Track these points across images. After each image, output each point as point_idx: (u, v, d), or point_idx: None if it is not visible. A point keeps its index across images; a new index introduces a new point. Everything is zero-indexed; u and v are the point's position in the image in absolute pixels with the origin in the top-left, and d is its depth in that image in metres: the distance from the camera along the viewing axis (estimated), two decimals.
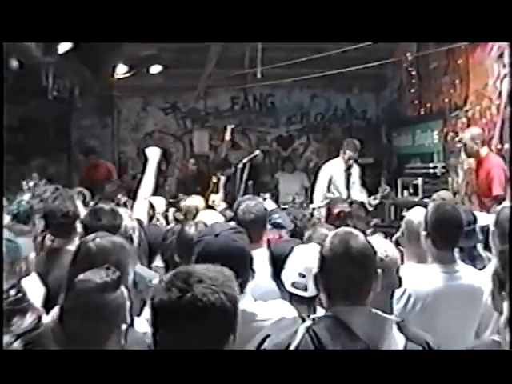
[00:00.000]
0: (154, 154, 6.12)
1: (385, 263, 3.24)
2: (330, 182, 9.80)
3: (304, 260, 3.68)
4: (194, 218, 6.15)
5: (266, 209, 5.22)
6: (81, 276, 2.84)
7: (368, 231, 6.70)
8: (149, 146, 6.31)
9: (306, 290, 3.69)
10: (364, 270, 2.71)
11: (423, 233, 4.06)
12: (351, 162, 9.84)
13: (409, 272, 3.76)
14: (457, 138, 8.51)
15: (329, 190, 9.65)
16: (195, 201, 7.37)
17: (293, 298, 3.58)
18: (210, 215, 6.00)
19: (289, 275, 3.68)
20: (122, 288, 2.82)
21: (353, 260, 2.69)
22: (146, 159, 6.15)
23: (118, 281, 2.80)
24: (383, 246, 3.35)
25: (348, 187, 9.75)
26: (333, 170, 9.92)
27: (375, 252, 2.82)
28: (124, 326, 2.75)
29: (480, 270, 4.38)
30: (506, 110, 7.98)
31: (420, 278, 3.91)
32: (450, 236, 4.05)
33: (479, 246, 5.16)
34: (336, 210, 5.04)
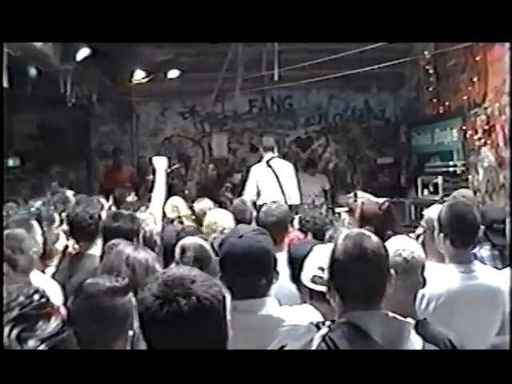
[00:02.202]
0: (161, 163, 6.23)
1: (410, 264, 3.21)
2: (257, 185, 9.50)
3: (324, 255, 3.66)
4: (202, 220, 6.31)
5: (287, 211, 5.22)
6: (89, 280, 2.85)
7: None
8: (156, 156, 6.41)
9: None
10: (379, 271, 2.65)
11: (440, 235, 4.02)
12: (269, 159, 9.64)
13: (428, 272, 3.74)
14: None
15: (259, 194, 9.36)
16: (203, 204, 7.47)
17: (313, 297, 3.54)
18: (218, 214, 6.11)
19: (308, 271, 3.66)
20: (131, 295, 2.80)
21: (368, 261, 2.62)
22: (154, 169, 6.26)
23: (127, 287, 2.80)
24: (410, 247, 3.31)
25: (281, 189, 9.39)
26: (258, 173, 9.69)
27: (387, 252, 2.76)
28: (131, 333, 2.73)
29: (503, 268, 4.37)
30: None
31: (435, 278, 3.87)
32: (466, 234, 4.01)
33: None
34: (375, 207, 5.06)
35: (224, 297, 2.19)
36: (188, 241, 4.28)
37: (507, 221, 4.91)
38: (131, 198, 8.79)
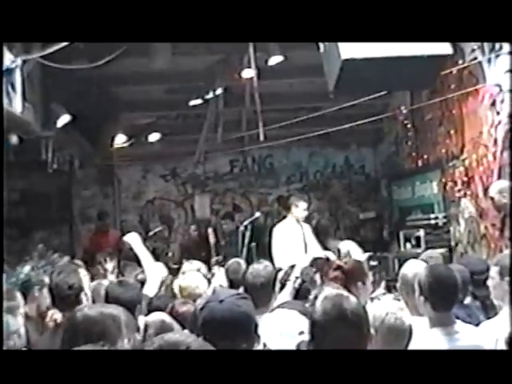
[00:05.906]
0: (133, 239, 6.27)
1: (395, 328, 3.22)
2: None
3: (289, 319, 3.67)
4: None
5: (273, 272, 5.20)
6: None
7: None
8: (125, 235, 6.48)
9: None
10: (358, 331, 2.69)
11: (420, 298, 4.02)
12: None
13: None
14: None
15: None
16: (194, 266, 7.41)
17: None
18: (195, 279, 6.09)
19: (286, 341, 3.67)
20: None
21: (348, 323, 2.66)
22: (130, 247, 6.33)
23: None
24: (394, 310, 3.32)
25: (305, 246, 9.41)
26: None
27: (366, 312, 2.79)
28: None
29: (490, 318, 4.37)
30: (503, 157, 8.01)
31: (421, 343, 3.85)
32: (447, 297, 4.01)
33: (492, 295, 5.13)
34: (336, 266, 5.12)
35: None
36: (151, 318, 4.24)
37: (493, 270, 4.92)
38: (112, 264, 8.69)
